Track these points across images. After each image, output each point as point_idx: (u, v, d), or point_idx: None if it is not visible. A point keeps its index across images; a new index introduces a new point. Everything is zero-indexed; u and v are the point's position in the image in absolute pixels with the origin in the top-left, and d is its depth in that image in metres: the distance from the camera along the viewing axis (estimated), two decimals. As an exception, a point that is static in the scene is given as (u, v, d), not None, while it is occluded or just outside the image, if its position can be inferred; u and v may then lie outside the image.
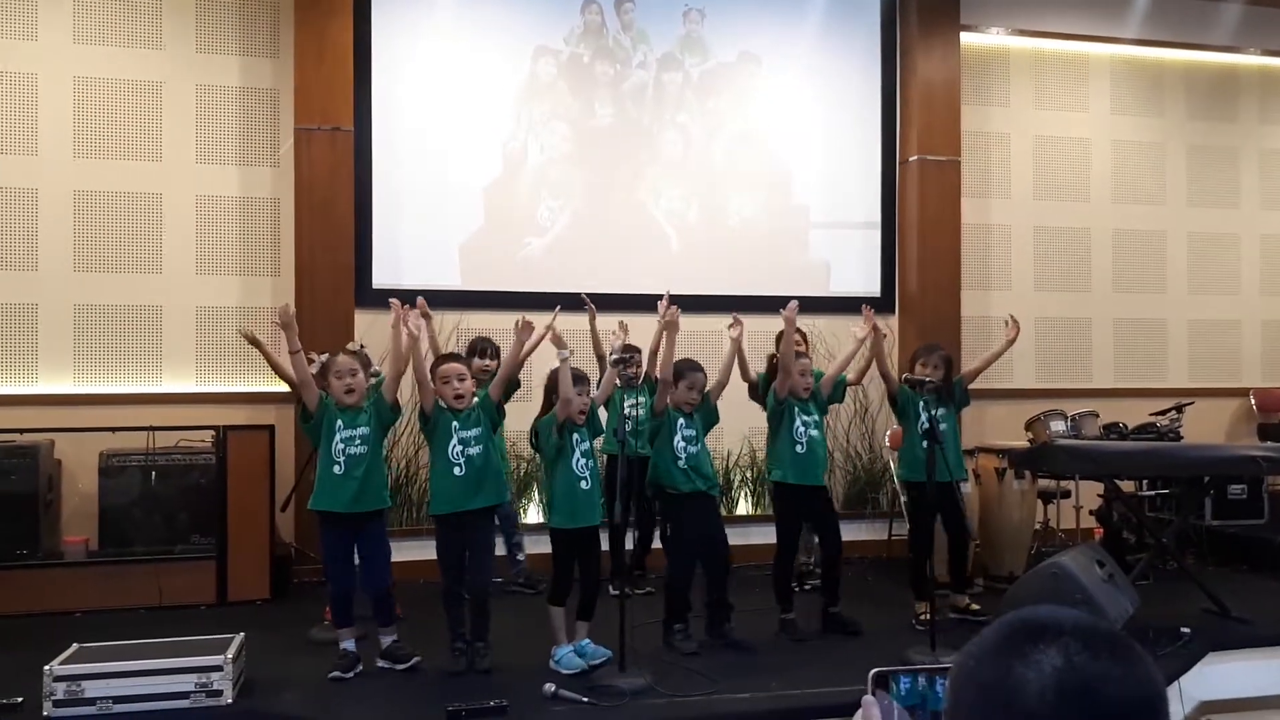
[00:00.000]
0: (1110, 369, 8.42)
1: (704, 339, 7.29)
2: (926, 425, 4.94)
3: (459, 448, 4.59)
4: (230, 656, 4.03)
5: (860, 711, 1.31)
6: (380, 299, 6.85)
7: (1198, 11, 8.48)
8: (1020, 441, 6.51)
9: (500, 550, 5.63)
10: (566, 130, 7.32)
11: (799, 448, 5.21)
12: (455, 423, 4.61)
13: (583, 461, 4.69)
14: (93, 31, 6.63)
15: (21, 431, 5.99)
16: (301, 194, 6.68)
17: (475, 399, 4.71)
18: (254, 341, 5.00)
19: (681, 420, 5.01)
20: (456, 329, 6.88)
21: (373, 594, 4.67)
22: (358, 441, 4.62)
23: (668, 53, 7.49)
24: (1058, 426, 6.60)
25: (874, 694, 1.37)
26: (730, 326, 5.22)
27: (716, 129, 7.57)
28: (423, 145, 7.03)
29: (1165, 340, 8.58)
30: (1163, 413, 6.90)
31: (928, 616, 4.87)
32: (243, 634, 4.35)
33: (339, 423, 4.61)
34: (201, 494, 6.09)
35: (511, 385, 4.94)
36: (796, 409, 5.25)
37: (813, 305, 7.45)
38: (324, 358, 4.74)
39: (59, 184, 6.57)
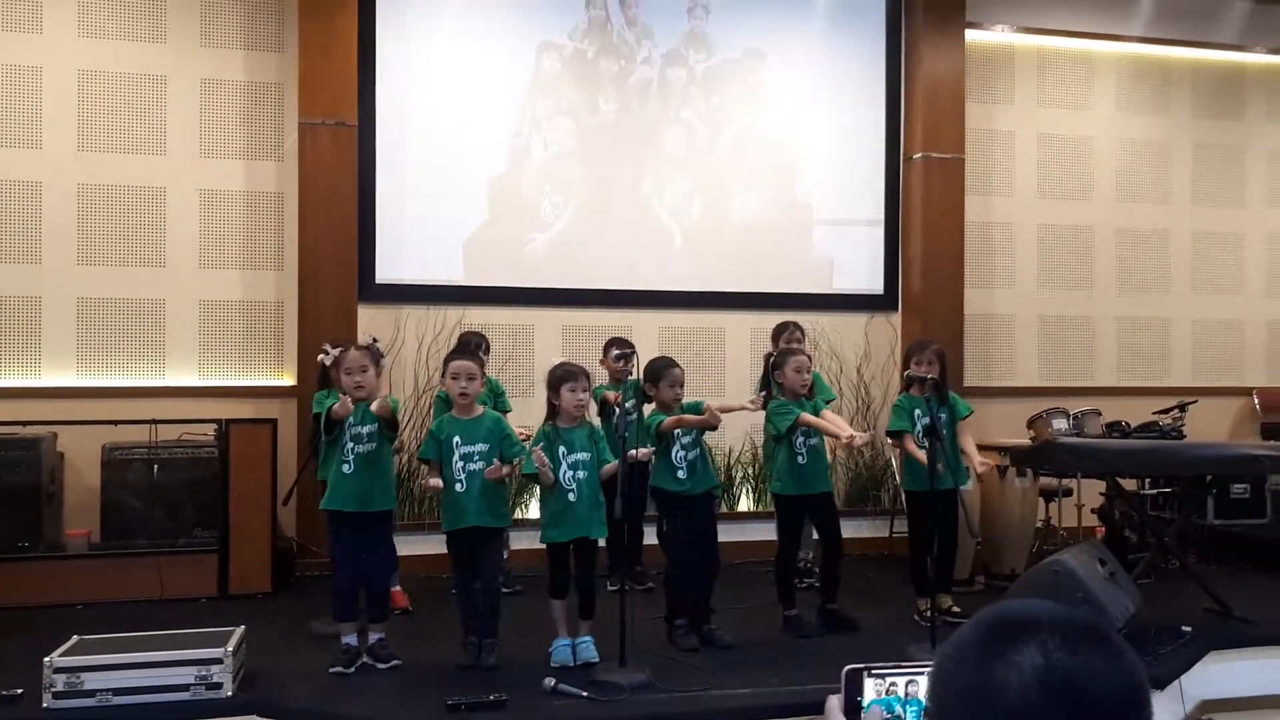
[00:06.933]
0: (1113, 367, 8.40)
1: (704, 336, 7.30)
2: (928, 422, 4.95)
3: (460, 463, 4.54)
4: (230, 649, 4.03)
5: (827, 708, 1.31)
6: (384, 294, 6.90)
7: (1204, 10, 8.46)
8: (1022, 439, 6.50)
9: None
10: (570, 126, 7.31)
11: (799, 459, 5.14)
12: (457, 437, 4.57)
13: (569, 474, 4.54)
14: (97, 25, 6.63)
15: (24, 424, 5.99)
16: (305, 188, 6.68)
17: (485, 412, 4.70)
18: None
19: (678, 430, 4.97)
20: (460, 324, 6.89)
21: (371, 591, 4.65)
22: (365, 438, 4.60)
23: (672, 48, 7.48)
24: (1060, 424, 6.59)
25: (844, 692, 1.38)
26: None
27: (720, 125, 7.56)
28: (427, 140, 7.02)
29: (1169, 339, 8.56)
30: (1165, 411, 6.89)
31: (929, 612, 4.89)
32: (243, 627, 4.35)
33: (349, 419, 4.57)
34: (204, 487, 6.10)
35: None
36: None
37: (815, 303, 7.49)
38: (336, 351, 4.71)
39: (63, 177, 6.57)
